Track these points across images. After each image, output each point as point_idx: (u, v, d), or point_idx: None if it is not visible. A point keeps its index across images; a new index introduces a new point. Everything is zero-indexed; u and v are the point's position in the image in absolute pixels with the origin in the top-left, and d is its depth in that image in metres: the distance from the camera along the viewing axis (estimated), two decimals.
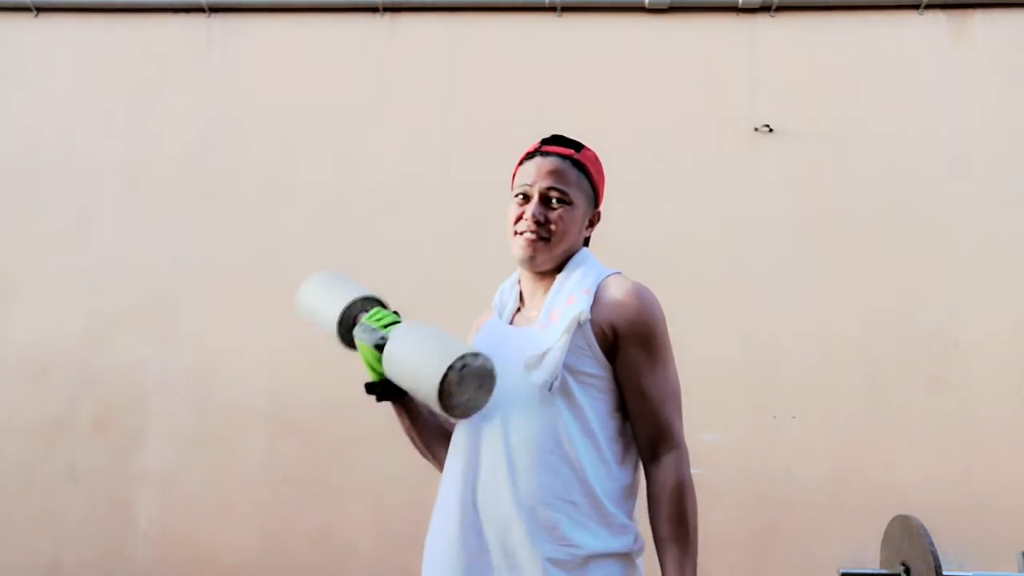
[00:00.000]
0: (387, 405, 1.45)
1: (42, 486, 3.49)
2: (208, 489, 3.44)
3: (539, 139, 1.51)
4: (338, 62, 3.87)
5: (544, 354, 1.32)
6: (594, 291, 1.37)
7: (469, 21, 3.87)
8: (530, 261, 1.42)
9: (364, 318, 1.37)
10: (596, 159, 1.51)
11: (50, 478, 3.49)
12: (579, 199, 1.44)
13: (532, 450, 1.30)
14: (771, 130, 3.65)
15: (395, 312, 1.41)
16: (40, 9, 3.99)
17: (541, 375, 1.31)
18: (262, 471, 3.45)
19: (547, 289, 1.44)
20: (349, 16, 3.91)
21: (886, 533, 2.99)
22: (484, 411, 1.33)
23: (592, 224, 1.52)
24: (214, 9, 3.95)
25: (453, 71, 3.82)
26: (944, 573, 2.53)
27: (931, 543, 2.59)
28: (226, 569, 3.36)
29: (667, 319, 1.40)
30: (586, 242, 1.53)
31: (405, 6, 3.89)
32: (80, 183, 3.78)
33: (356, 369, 1.39)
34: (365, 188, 3.71)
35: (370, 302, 1.41)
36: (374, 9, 3.90)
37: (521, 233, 1.42)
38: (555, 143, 1.48)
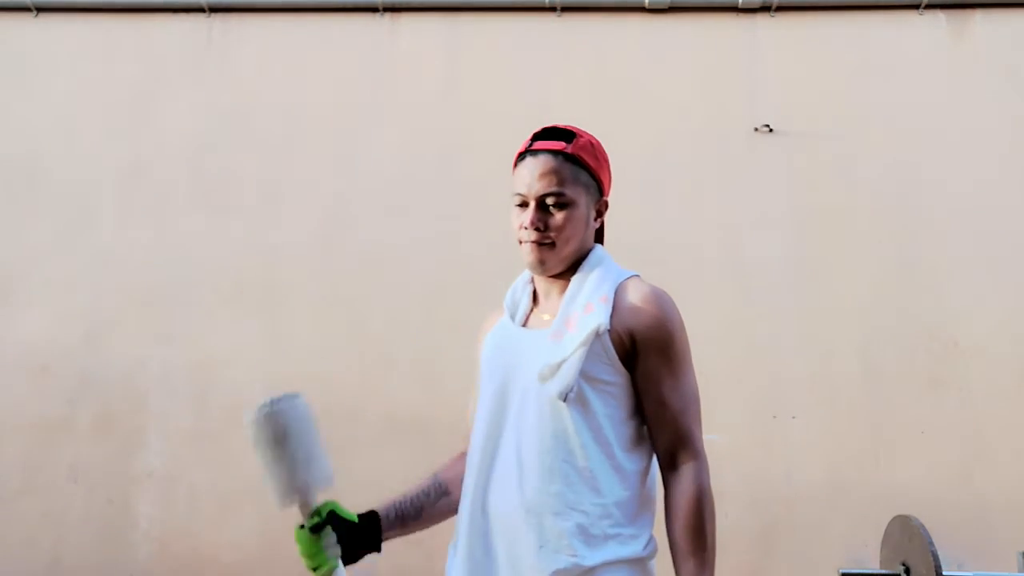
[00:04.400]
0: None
1: (42, 486, 3.49)
2: (208, 489, 3.44)
3: (531, 134, 1.42)
4: (338, 62, 3.86)
5: (559, 365, 1.28)
6: (612, 298, 1.33)
7: (469, 21, 3.87)
8: (540, 267, 1.37)
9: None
10: (591, 145, 1.41)
11: (50, 478, 3.49)
12: (579, 195, 1.37)
13: (544, 458, 1.28)
14: (771, 130, 3.65)
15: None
16: (40, 9, 3.99)
17: (556, 386, 1.28)
18: (262, 471, 3.44)
19: (562, 290, 1.39)
20: (349, 16, 3.91)
21: (886, 533, 2.99)
22: (498, 417, 1.34)
23: (600, 214, 1.44)
24: (214, 9, 3.95)
25: (453, 71, 3.82)
26: (944, 573, 2.53)
27: (931, 543, 2.58)
28: (226, 569, 3.36)
29: None
30: (600, 233, 1.48)
31: (405, 6, 3.89)
32: (80, 183, 3.78)
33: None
34: (365, 188, 3.70)
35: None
36: (374, 9, 3.90)
37: (526, 241, 1.37)
38: (546, 138, 1.39)
